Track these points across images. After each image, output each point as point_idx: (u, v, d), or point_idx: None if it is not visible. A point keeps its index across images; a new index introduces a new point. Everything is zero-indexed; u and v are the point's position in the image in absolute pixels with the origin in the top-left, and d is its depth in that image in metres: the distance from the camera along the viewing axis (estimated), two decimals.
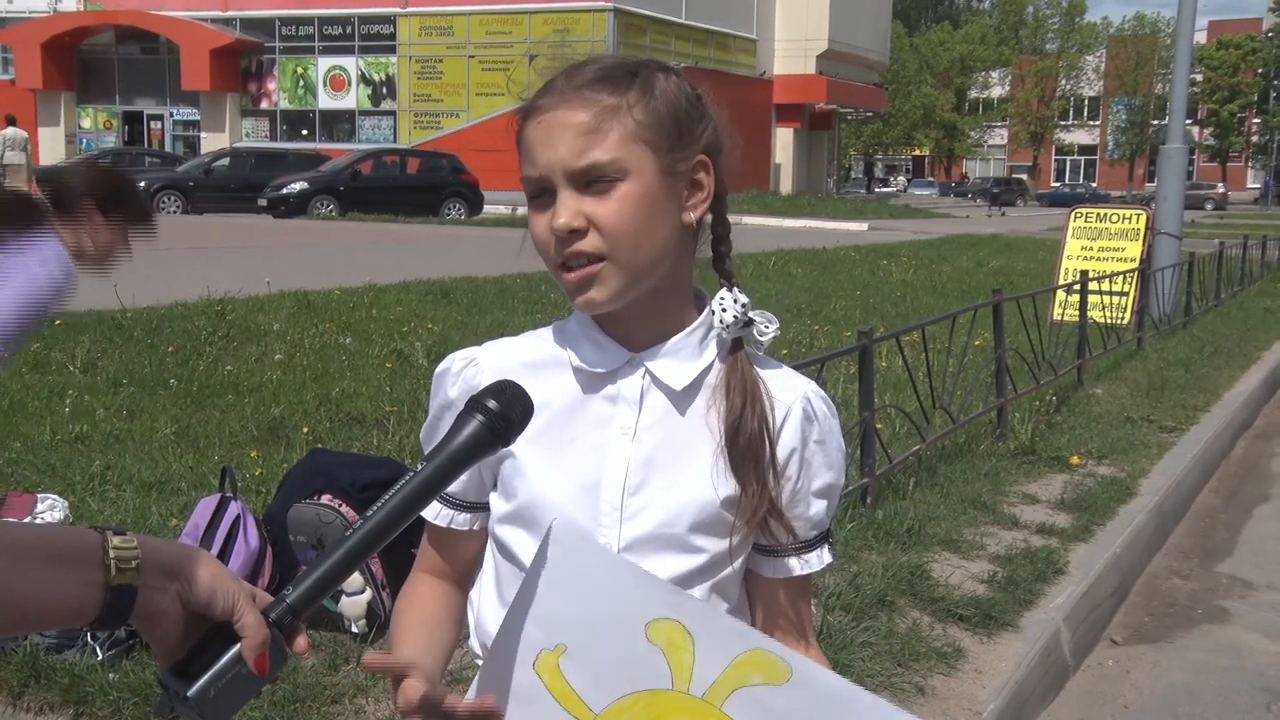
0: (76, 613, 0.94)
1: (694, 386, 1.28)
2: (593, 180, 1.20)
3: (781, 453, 1.28)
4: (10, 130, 10.33)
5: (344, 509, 3.45)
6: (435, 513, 1.36)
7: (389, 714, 2.94)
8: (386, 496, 1.03)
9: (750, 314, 1.28)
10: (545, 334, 1.35)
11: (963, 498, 5.15)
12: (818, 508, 1.32)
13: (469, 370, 1.32)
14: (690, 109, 1.25)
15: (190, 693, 0.95)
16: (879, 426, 5.14)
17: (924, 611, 3.87)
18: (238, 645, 0.98)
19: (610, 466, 1.26)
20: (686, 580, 1.26)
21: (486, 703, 1.11)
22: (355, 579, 3.35)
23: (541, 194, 1.23)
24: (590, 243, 1.20)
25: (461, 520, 1.36)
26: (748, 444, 1.25)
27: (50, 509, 4.10)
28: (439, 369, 1.36)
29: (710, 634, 1.07)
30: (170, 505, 4.29)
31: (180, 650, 0.99)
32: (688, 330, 1.29)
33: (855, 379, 5.15)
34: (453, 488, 1.33)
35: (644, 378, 1.28)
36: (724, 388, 1.27)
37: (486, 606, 1.33)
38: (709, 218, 1.29)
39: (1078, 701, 3.82)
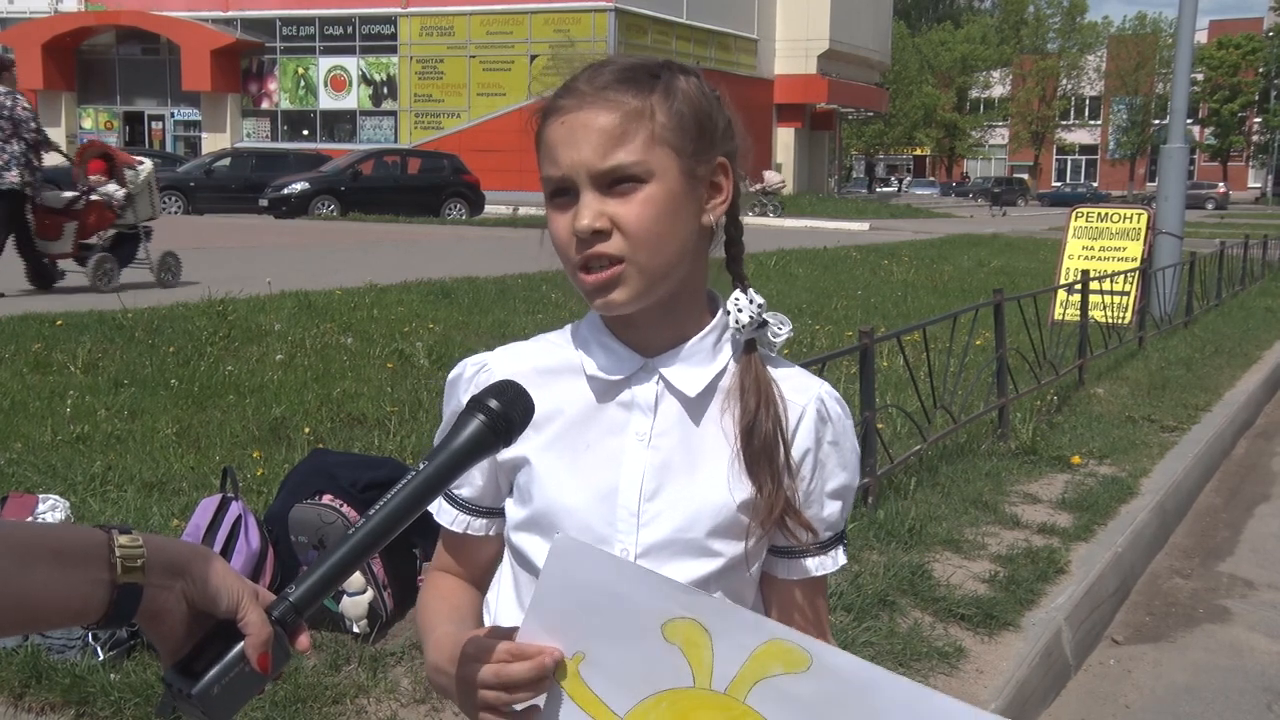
0: (83, 611, 0.94)
1: (708, 391, 1.28)
2: (616, 182, 1.19)
3: (796, 453, 1.28)
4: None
5: (345, 509, 3.45)
6: (451, 518, 1.36)
7: (390, 714, 2.94)
8: (389, 495, 1.03)
9: (764, 315, 1.29)
10: (557, 338, 1.35)
11: (964, 497, 5.15)
12: (832, 509, 1.32)
13: (481, 376, 1.32)
14: (712, 111, 1.26)
15: (194, 690, 0.96)
16: (880, 426, 5.14)
17: (925, 611, 3.87)
18: (241, 643, 0.98)
19: (626, 473, 1.26)
20: (704, 585, 1.25)
21: (552, 652, 1.10)
22: (357, 579, 3.35)
23: (562, 194, 1.22)
24: (613, 245, 1.20)
25: (478, 526, 1.36)
26: (762, 446, 1.25)
27: (51, 509, 4.10)
28: (452, 375, 1.36)
29: (727, 629, 1.07)
30: (171, 506, 4.29)
31: (184, 648, 0.99)
32: (701, 334, 1.29)
33: (856, 378, 5.15)
34: (469, 493, 1.34)
35: (658, 384, 1.28)
36: (738, 390, 1.27)
37: (505, 611, 1.33)
38: (723, 220, 1.29)
39: (1079, 701, 3.82)
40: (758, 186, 32.67)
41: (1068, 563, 4.45)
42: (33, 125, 10.46)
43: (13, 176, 10.30)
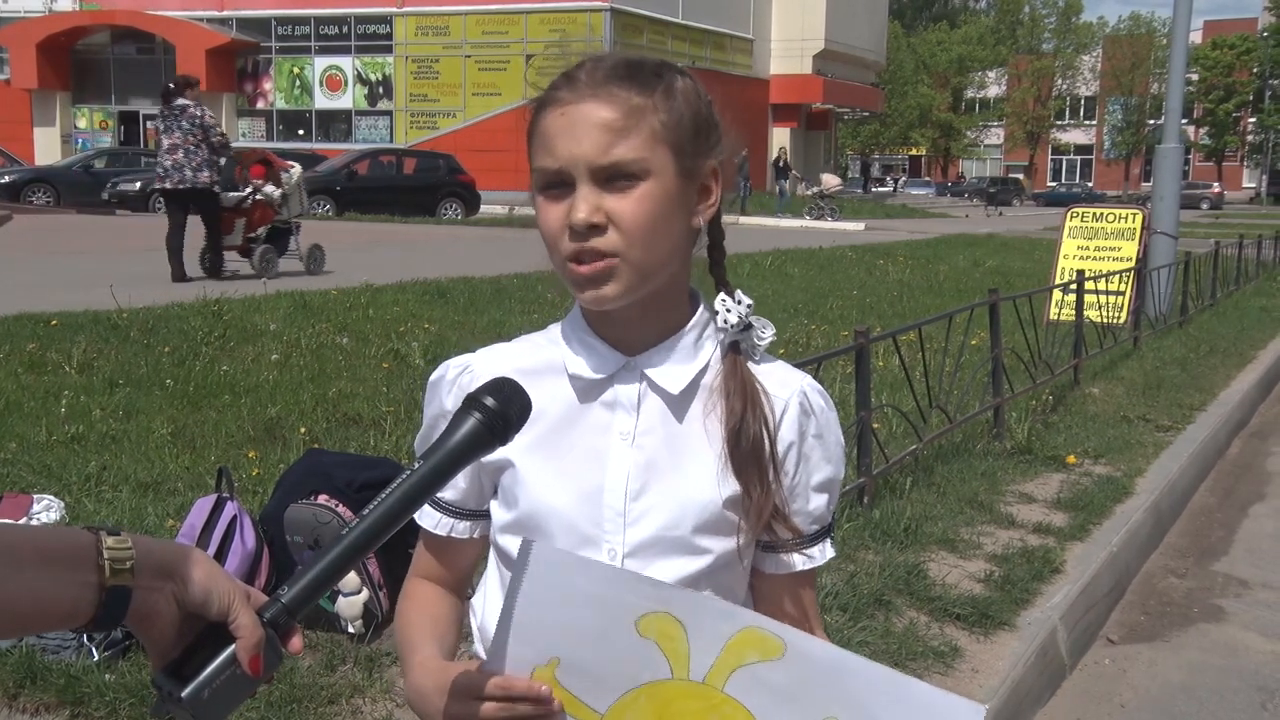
0: (71, 614, 0.93)
1: (691, 388, 1.28)
2: (614, 177, 1.19)
3: (780, 448, 1.28)
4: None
5: (340, 509, 3.45)
6: (435, 521, 1.35)
7: (385, 714, 2.94)
8: (383, 495, 1.02)
9: (749, 318, 1.29)
10: (539, 339, 1.35)
11: (959, 497, 5.15)
12: (818, 502, 1.32)
13: (464, 378, 1.31)
14: (708, 115, 1.27)
15: (184, 694, 0.95)
16: (876, 426, 5.14)
17: (921, 611, 3.87)
18: (232, 646, 0.97)
19: (611, 472, 1.26)
20: (693, 582, 1.25)
21: (541, 690, 1.09)
22: (352, 579, 3.35)
23: (556, 186, 1.21)
24: (607, 240, 1.19)
25: (461, 529, 1.35)
26: (750, 448, 1.25)
27: (46, 510, 4.09)
28: (433, 377, 1.35)
29: (700, 620, 1.08)
30: (167, 506, 4.28)
31: (174, 651, 0.98)
32: (683, 331, 1.29)
33: (852, 378, 5.15)
34: (452, 496, 1.33)
35: (641, 382, 1.28)
36: (723, 391, 1.27)
37: (491, 613, 1.31)
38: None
39: (1074, 700, 3.82)
40: (815, 190, 32.66)
41: (1063, 562, 4.45)
42: (218, 132, 11.88)
43: (204, 177, 11.78)
